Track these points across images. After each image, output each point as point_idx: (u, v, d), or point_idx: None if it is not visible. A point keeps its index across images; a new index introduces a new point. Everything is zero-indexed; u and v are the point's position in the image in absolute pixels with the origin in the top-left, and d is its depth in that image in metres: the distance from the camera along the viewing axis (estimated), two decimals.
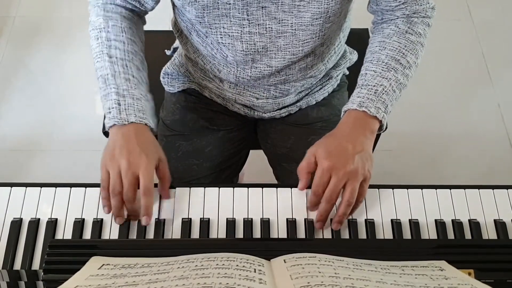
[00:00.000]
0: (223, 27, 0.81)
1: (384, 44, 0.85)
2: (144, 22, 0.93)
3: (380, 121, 0.80)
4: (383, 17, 0.89)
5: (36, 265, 0.71)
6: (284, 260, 0.59)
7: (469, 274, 0.62)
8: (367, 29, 1.34)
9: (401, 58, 0.83)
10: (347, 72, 1.11)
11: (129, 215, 0.75)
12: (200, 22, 0.82)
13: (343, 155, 0.75)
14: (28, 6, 2.14)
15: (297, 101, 1.01)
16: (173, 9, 0.91)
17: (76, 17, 2.10)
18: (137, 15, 0.89)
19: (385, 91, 0.80)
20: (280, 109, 1.01)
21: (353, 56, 1.09)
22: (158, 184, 0.79)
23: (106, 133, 1.18)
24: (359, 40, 1.29)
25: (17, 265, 0.71)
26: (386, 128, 0.83)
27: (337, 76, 1.05)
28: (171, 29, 0.98)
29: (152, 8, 0.89)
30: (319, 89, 1.03)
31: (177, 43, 1.08)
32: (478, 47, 2.07)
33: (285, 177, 1.05)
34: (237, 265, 0.56)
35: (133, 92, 0.79)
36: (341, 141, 0.77)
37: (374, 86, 0.81)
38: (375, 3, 0.87)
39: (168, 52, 1.13)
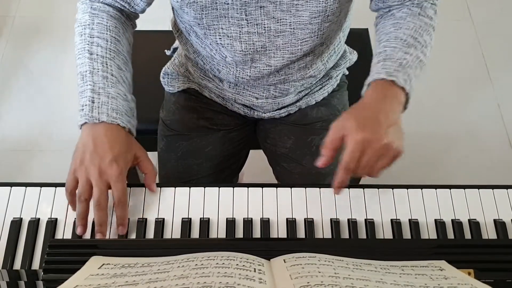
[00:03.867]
0: (222, 28, 0.81)
1: (399, 25, 0.83)
2: (134, 26, 0.91)
3: (407, 94, 0.75)
4: (390, 9, 0.88)
5: (36, 265, 0.71)
6: (284, 260, 0.59)
7: (469, 274, 0.62)
8: (367, 29, 1.34)
9: (418, 36, 0.81)
10: (347, 72, 1.11)
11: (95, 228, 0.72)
12: (199, 24, 0.81)
13: (377, 127, 0.69)
14: (27, 6, 2.14)
15: (297, 101, 1.01)
16: (173, 10, 0.91)
17: (76, 17, 2.10)
18: (126, 16, 0.88)
19: (409, 65, 0.77)
20: (280, 109, 1.01)
21: (353, 56, 1.09)
22: (145, 179, 0.78)
23: None
24: (359, 40, 1.29)
25: (17, 265, 0.71)
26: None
27: (337, 76, 1.05)
28: (171, 29, 0.98)
29: (143, 11, 0.88)
30: (319, 89, 1.03)
31: (177, 43, 1.08)
32: (478, 47, 2.07)
33: (285, 177, 1.05)
34: (237, 264, 0.56)
35: (108, 91, 0.76)
36: (372, 112, 0.71)
37: (398, 59, 0.77)
38: (381, 1, 0.86)
39: (168, 52, 1.13)
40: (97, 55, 0.79)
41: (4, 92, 1.90)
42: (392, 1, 0.85)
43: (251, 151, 1.15)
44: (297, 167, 1.02)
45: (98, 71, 0.77)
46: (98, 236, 0.71)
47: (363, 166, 0.70)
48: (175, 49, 1.11)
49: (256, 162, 1.26)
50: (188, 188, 0.79)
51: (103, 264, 0.59)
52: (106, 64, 0.78)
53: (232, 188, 0.79)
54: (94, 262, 0.59)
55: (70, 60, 1.98)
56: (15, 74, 1.95)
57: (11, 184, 0.78)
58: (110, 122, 0.74)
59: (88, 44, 0.80)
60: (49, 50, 2.01)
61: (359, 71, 1.16)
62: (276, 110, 1.01)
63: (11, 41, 2.04)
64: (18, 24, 2.09)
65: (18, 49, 2.01)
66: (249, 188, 0.79)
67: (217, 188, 0.79)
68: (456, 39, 2.08)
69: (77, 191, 0.72)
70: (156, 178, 0.79)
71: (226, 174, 1.05)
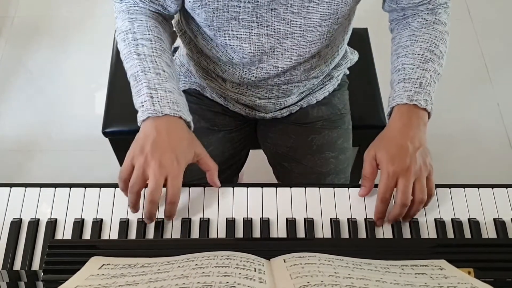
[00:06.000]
0: (231, 30, 0.81)
1: (415, 37, 0.85)
2: (171, 27, 0.90)
3: (429, 113, 0.80)
4: (404, 13, 0.89)
5: (36, 265, 0.71)
6: (284, 259, 0.59)
7: (469, 273, 0.62)
8: (367, 28, 1.34)
9: (435, 48, 0.84)
10: (348, 72, 1.11)
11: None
12: (209, 26, 0.81)
13: (405, 156, 0.74)
14: (26, 6, 2.14)
15: (298, 100, 1.01)
16: (179, 11, 0.90)
17: (75, 17, 2.10)
18: (162, 17, 0.87)
19: (428, 83, 0.81)
20: (282, 109, 1.01)
21: (354, 56, 1.09)
22: (207, 177, 0.78)
23: (105, 133, 1.17)
24: (359, 40, 1.29)
25: (17, 266, 0.71)
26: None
27: (338, 76, 1.06)
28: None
29: (176, 11, 0.87)
30: (320, 89, 1.03)
31: (177, 43, 1.08)
32: (477, 47, 2.07)
33: (285, 177, 1.05)
34: (237, 264, 0.56)
35: (164, 85, 0.76)
36: (399, 141, 0.76)
37: (418, 79, 0.81)
38: (394, 2, 0.87)
39: None
40: (145, 55, 0.78)
41: (3, 92, 1.90)
42: (405, 3, 0.86)
43: (251, 151, 1.15)
44: (297, 166, 1.02)
45: (149, 69, 0.77)
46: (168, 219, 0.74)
47: (404, 193, 0.73)
48: (175, 49, 1.11)
49: (256, 162, 1.25)
50: (188, 188, 0.79)
51: (103, 264, 0.59)
52: (155, 61, 0.78)
53: (232, 188, 0.79)
54: (94, 263, 0.59)
55: (69, 60, 1.98)
56: (15, 74, 1.95)
57: (10, 185, 0.78)
58: (173, 115, 0.74)
59: (134, 47, 0.79)
60: (48, 50, 2.01)
61: (359, 71, 1.16)
62: (278, 110, 1.01)
63: (10, 41, 2.04)
64: (17, 24, 2.08)
65: (17, 49, 2.01)
66: (249, 188, 0.79)
67: (217, 188, 0.79)
68: (455, 39, 2.08)
69: (130, 181, 0.70)
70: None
71: (226, 174, 1.05)
